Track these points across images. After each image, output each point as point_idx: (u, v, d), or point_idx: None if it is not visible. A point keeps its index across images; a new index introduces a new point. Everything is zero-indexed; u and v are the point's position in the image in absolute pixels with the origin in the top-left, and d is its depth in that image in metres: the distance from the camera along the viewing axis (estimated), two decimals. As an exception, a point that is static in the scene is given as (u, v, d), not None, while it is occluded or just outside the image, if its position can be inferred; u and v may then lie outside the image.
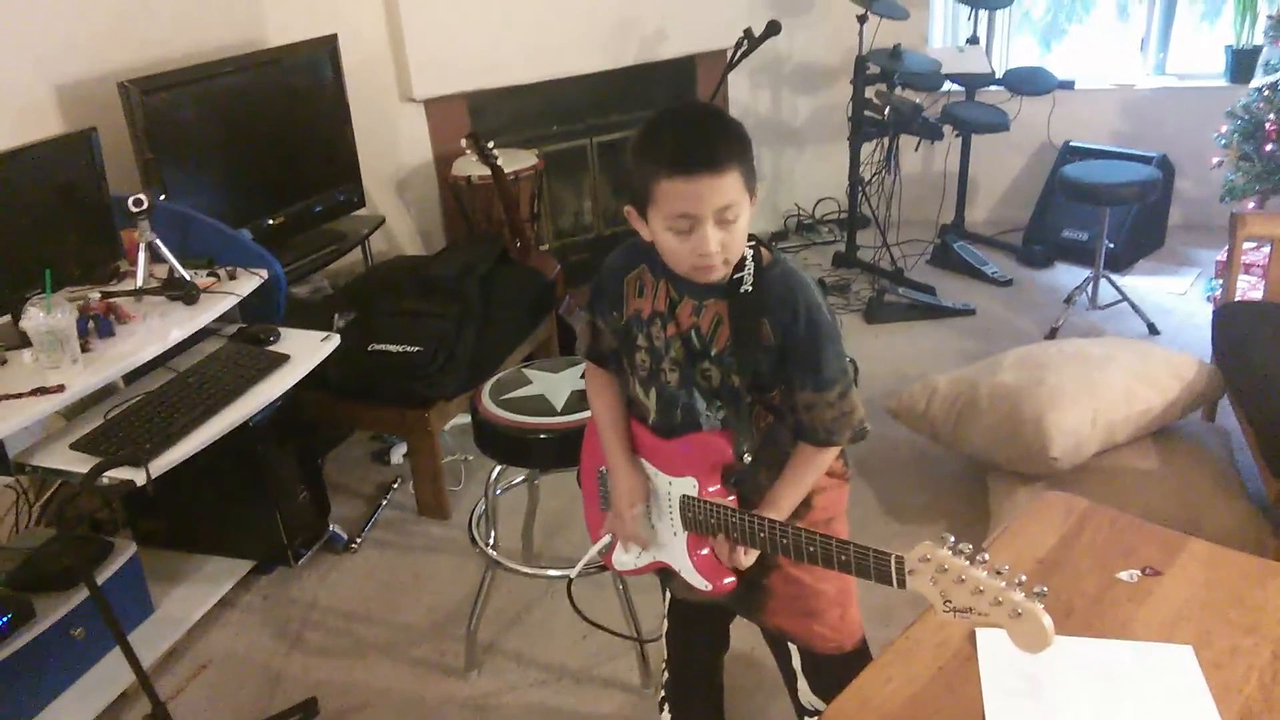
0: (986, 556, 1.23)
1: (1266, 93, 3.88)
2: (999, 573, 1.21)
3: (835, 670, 1.65)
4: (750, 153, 1.43)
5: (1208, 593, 1.55)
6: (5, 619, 2.24)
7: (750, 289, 1.50)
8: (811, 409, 1.53)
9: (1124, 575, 1.59)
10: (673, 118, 1.45)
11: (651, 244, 1.51)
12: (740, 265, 1.50)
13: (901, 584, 1.31)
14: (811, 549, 1.44)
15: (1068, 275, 4.53)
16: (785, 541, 1.47)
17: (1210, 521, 2.46)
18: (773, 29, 3.96)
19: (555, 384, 2.39)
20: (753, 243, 1.52)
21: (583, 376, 2.38)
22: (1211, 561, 1.62)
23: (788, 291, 1.50)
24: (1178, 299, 4.27)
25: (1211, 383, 2.83)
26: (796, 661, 1.77)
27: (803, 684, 1.79)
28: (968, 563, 1.23)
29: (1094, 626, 1.49)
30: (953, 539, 1.26)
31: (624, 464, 1.67)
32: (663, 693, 2.05)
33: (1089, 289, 4.18)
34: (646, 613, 2.40)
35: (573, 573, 1.89)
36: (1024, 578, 1.20)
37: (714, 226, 1.41)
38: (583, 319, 1.72)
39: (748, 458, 1.56)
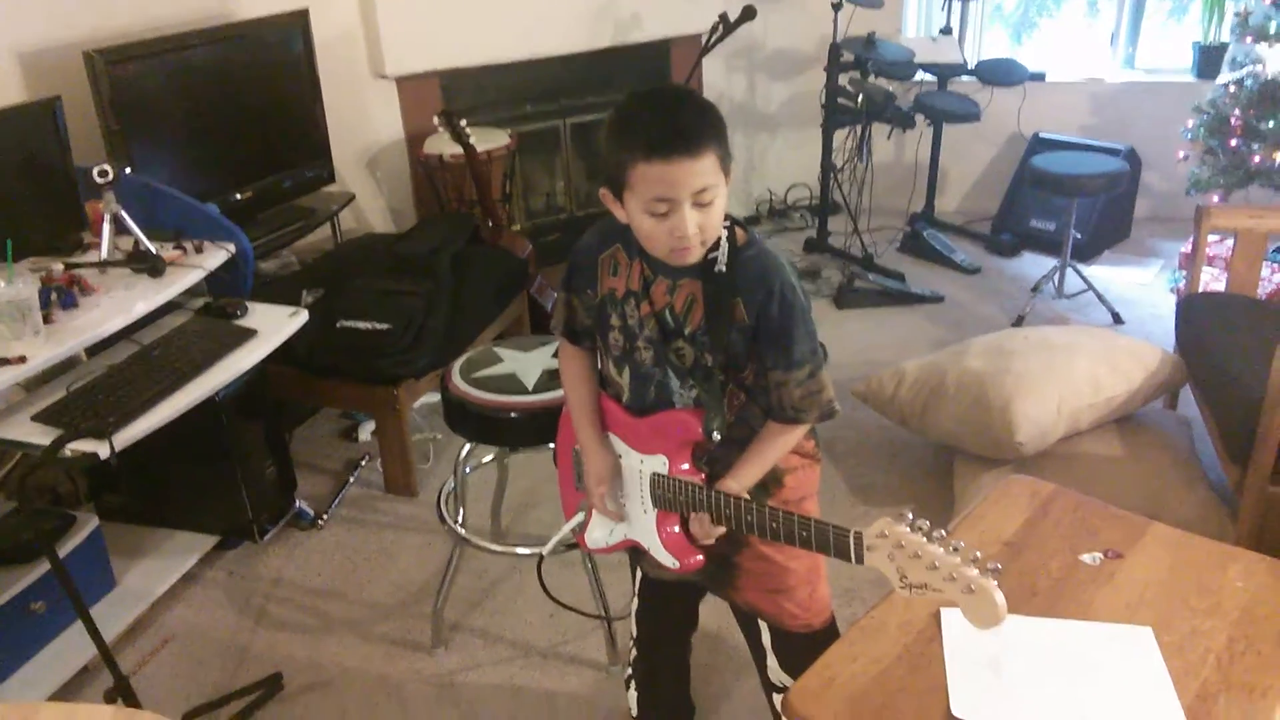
0: (944, 533, 1.25)
1: (1232, 89, 3.93)
2: (955, 549, 1.22)
3: (804, 648, 1.67)
4: (725, 134, 1.43)
5: (1169, 576, 1.58)
6: (-37, 592, 2.21)
7: (724, 269, 1.51)
8: (780, 387, 1.54)
9: (1087, 558, 1.62)
10: (648, 101, 1.45)
11: (627, 225, 1.51)
12: (715, 245, 1.50)
13: (859, 559, 1.33)
14: (774, 525, 1.46)
15: (1035, 264, 4.58)
16: (750, 519, 1.49)
17: (1172, 508, 2.50)
18: (748, 14, 3.96)
19: (526, 363, 2.38)
20: (728, 223, 1.52)
21: (554, 355, 2.39)
22: (1173, 546, 1.65)
23: (762, 272, 1.51)
24: (1142, 289, 4.33)
25: (1174, 372, 2.87)
26: (766, 639, 1.79)
27: (772, 661, 1.81)
28: (924, 539, 1.24)
29: (1057, 607, 1.51)
30: (910, 515, 1.27)
31: (594, 441, 1.68)
32: (629, 670, 2.06)
33: (1055, 278, 4.22)
34: (614, 591, 2.41)
35: (544, 550, 1.90)
36: (979, 554, 1.22)
37: (691, 209, 1.41)
38: (558, 296, 1.72)
39: (717, 436, 1.57)
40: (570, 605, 2.21)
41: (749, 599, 1.74)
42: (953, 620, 1.47)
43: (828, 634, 1.76)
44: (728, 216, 1.52)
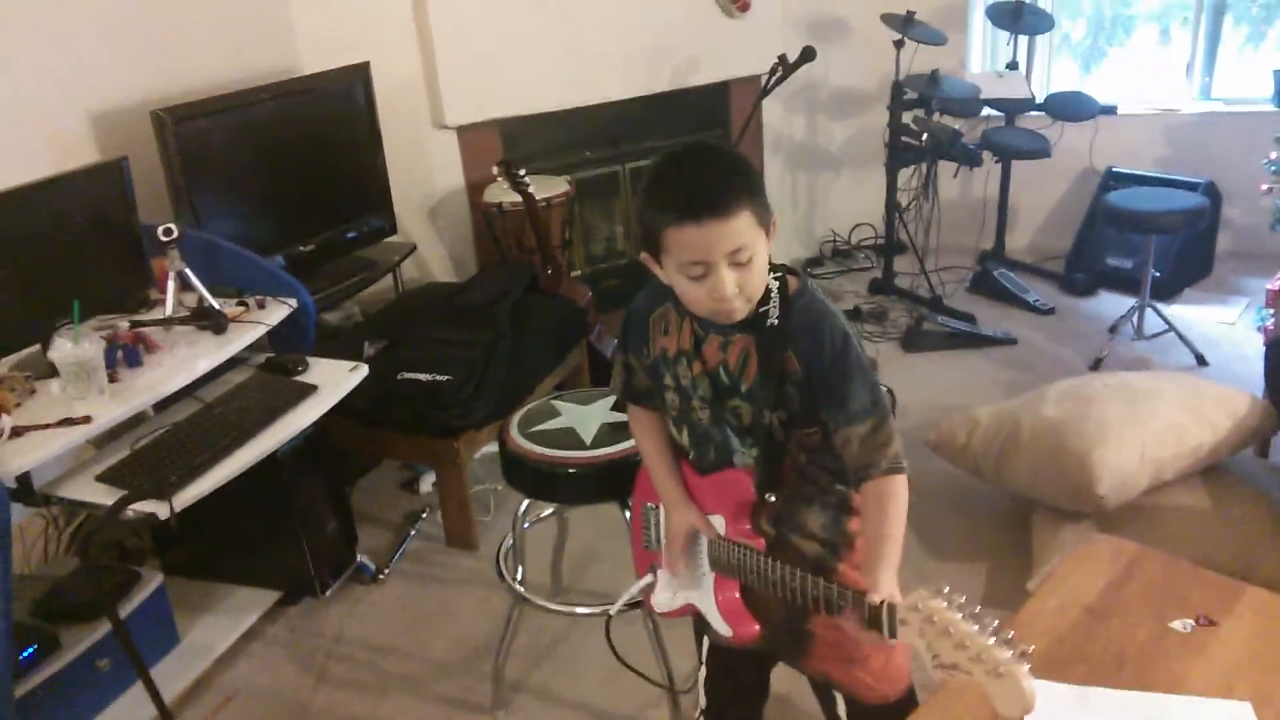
0: (978, 610, 1.16)
1: (1317, 117, 3.78)
2: (986, 628, 1.14)
3: (884, 719, 1.59)
4: (758, 188, 1.40)
5: (1267, 645, 1.48)
6: (30, 650, 2.22)
7: (776, 321, 1.46)
8: (846, 445, 1.47)
9: (1177, 625, 1.52)
10: (676, 164, 1.43)
11: None
12: (765, 298, 1.46)
13: (893, 633, 1.25)
14: (815, 594, 1.39)
15: (1112, 304, 4.43)
16: (794, 585, 1.43)
17: (1265, 565, 2.37)
18: (808, 55, 3.93)
19: (585, 416, 2.34)
20: (779, 273, 1.48)
21: (613, 409, 2.35)
22: (1270, 611, 1.55)
23: (812, 321, 1.47)
24: (1226, 329, 4.16)
25: (1265, 418, 2.74)
26: (842, 709, 1.71)
27: None
28: (957, 615, 1.16)
29: (1146, 679, 1.42)
30: (947, 589, 1.19)
31: (674, 494, 1.62)
32: None
33: (1134, 318, 4.08)
34: (677, 652, 2.34)
35: (612, 609, 1.84)
36: (1012, 634, 1.14)
37: (728, 269, 1.38)
38: (616, 358, 1.70)
39: (771, 497, 1.51)
40: (638, 670, 2.14)
41: (822, 669, 1.67)
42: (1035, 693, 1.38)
43: (905, 704, 1.68)
44: (780, 266, 1.48)
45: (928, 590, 1.21)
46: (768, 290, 1.46)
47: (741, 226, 1.36)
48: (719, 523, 1.56)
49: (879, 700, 1.66)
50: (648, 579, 1.74)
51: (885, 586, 1.34)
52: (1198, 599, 1.57)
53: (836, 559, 1.59)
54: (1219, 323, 4.21)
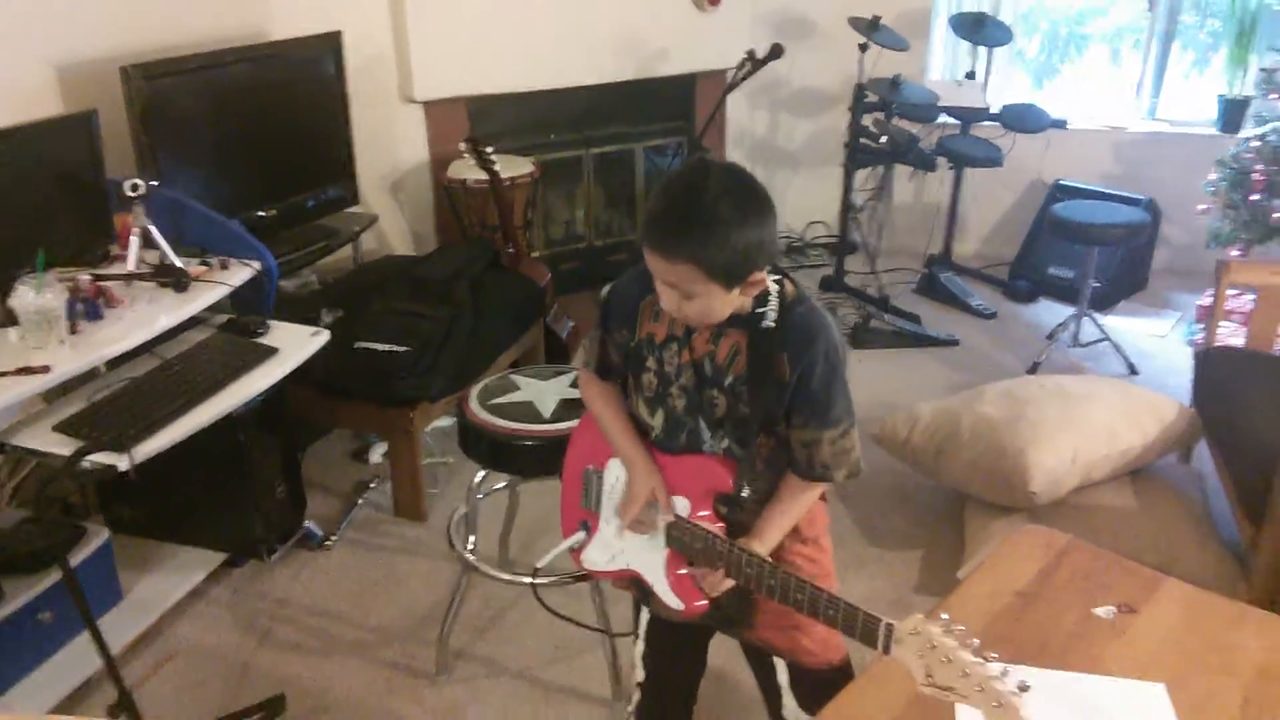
0: (976, 642, 1.23)
1: (1255, 144, 3.94)
2: (986, 660, 1.21)
3: (825, 685, 1.65)
4: (726, 248, 1.38)
5: (1183, 633, 1.56)
6: (-27, 599, 2.21)
7: (773, 325, 1.51)
8: (812, 445, 1.54)
9: (1101, 611, 1.61)
10: (673, 181, 1.45)
11: None
12: (764, 300, 1.51)
13: (886, 650, 1.31)
14: (799, 597, 1.44)
15: (1051, 312, 4.57)
16: (773, 583, 1.48)
17: (1184, 563, 2.49)
18: (775, 52, 4.00)
19: (543, 391, 2.39)
20: (778, 276, 1.53)
21: (571, 385, 2.40)
22: (1188, 602, 1.64)
23: (811, 332, 1.51)
24: (1158, 341, 4.32)
25: (1190, 426, 2.86)
26: (783, 677, 1.77)
27: (789, 700, 1.78)
28: (957, 644, 1.23)
29: (1069, 661, 1.50)
30: (945, 617, 1.26)
31: (644, 456, 1.65)
32: (630, 712, 2.03)
33: (1072, 326, 4.22)
34: (618, 615, 2.38)
35: (540, 563, 1.87)
36: (1009, 669, 1.21)
37: (672, 291, 1.45)
38: (592, 334, 1.73)
39: (746, 491, 1.57)
40: (573, 619, 2.19)
41: (765, 636, 1.73)
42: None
43: (845, 672, 1.75)
44: (778, 269, 1.52)
45: (924, 616, 1.27)
46: (766, 292, 1.51)
47: (683, 273, 1.40)
48: (682, 504, 1.61)
49: (822, 665, 1.73)
50: (578, 536, 1.78)
51: (767, 548, 1.55)
52: (1121, 588, 1.66)
53: (785, 537, 1.65)
54: (1151, 335, 4.37)
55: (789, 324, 1.51)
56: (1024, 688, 1.20)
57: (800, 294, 1.55)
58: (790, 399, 1.53)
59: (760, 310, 1.51)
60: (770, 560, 1.51)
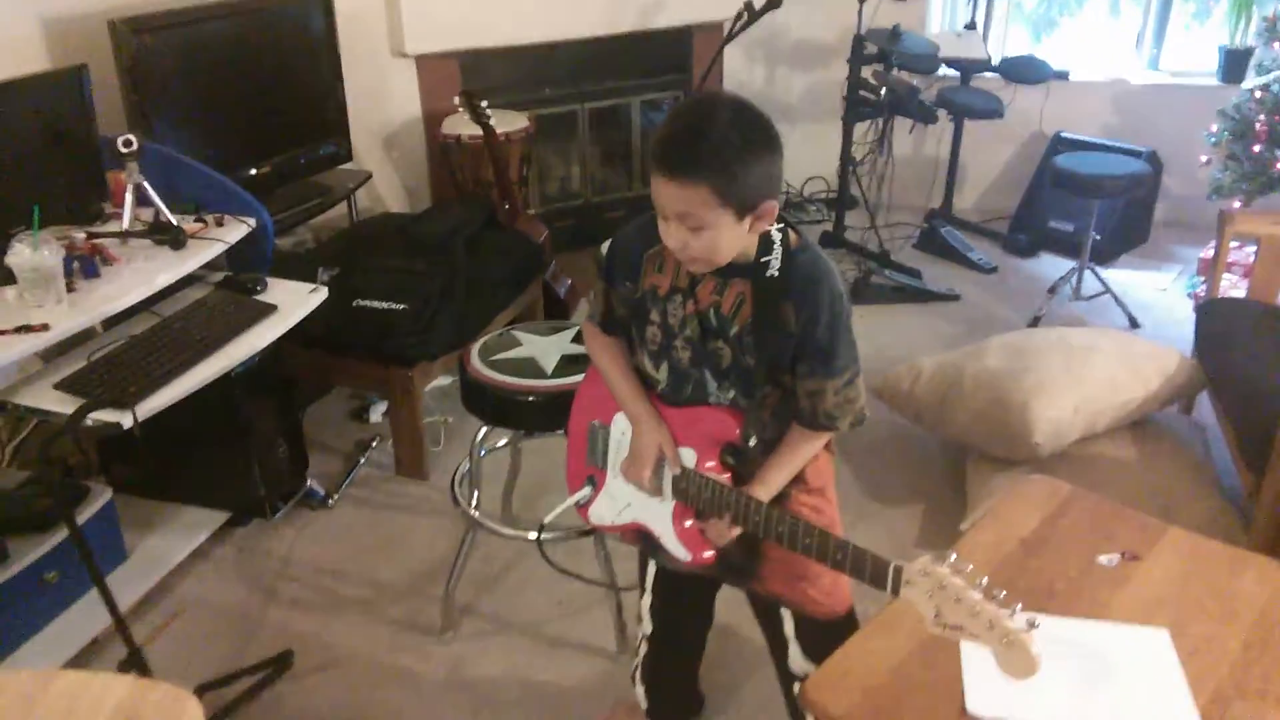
0: (985, 581, 1.24)
1: (1258, 94, 3.91)
2: (995, 598, 1.23)
3: (830, 635, 1.66)
4: (739, 170, 1.37)
5: (1185, 580, 1.57)
6: (-22, 559, 2.22)
7: (776, 274, 1.50)
8: (817, 395, 1.53)
9: (1104, 559, 1.62)
10: (682, 109, 1.46)
11: None
12: (768, 248, 1.50)
13: (896, 592, 1.32)
14: (808, 541, 1.45)
15: (1052, 265, 4.56)
16: (781, 529, 1.48)
17: (1184, 513, 2.50)
18: (773, 3, 3.94)
19: (545, 347, 2.38)
20: (780, 224, 1.51)
21: (573, 340, 2.39)
22: (1189, 550, 1.65)
23: (814, 278, 1.50)
24: (1159, 294, 4.31)
25: (1192, 377, 2.86)
26: (789, 628, 1.78)
27: (795, 650, 1.79)
28: (965, 584, 1.24)
29: (1074, 607, 1.51)
30: (954, 557, 1.27)
31: (650, 412, 1.64)
32: (638, 666, 2.05)
33: (1073, 280, 4.21)
34: (623, 568, 2.40)
35: (546, 519, 1.88)
36: (1019, 606, 1.22)
37: (676, 225, 1.42)
38: (596, 287, 1.72)
39: (753, 441, 1.57)
40: (577, 574, 2.20)
41: (772, 588, 1.74)
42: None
43: (850, 622, 1.76)
44: (781, 218, 1.51)
45: (933, 556, 1.28)
46: (770, 240, 1.49)
47: (692, 197, 1.38)
48: (689, 455, 1.61)
49: (828, 615, 1.74)
50: (585, 491, 1.78)
51: (769, 493, 1.56)
52: (1124, 536, 1.67)
53: (790, 485, 1.65)
54: (1153, 288, 4.36)
55: (792, 271, 1.50)
56: (1033, 624, 1.21)
57: (804, 241, 1.54)
58: (796, 348, 1.52)
59: (765, 259, 1.50)
60: (778, 507, 1.51)
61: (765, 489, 1.56)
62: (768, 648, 1.87)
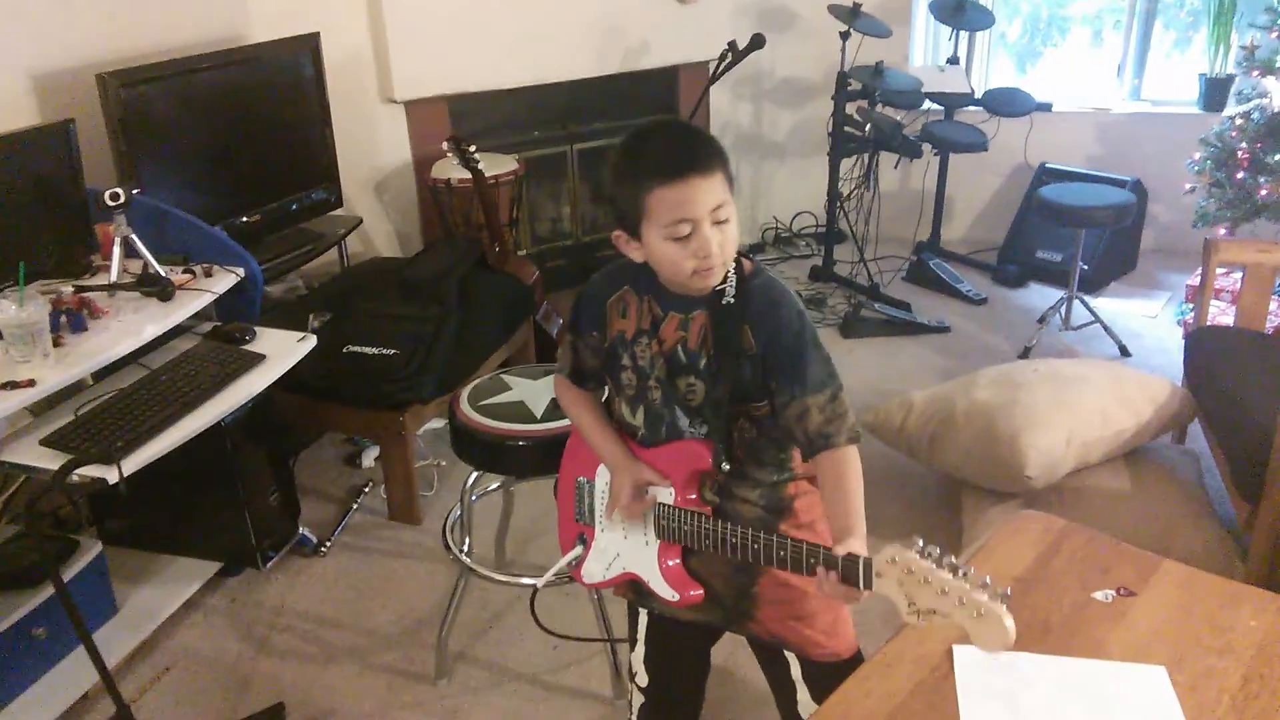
0: (954, 559, 1.24)
1: (1239, 121, 3.94)
2: (963, 574, 1.23)
3: (838, 677, 1.63)
4: (727, 156, 1.48)
5: (1181, 614, 1.56)
6: (-35, 617, 2.19)
7: (732, 300, 1.52)
8: (803, 417, 1.52)
9: (1099, 595, 1.60)
10: (651, 132, 1.49)
11: (634, 265, 1.55)
12: (724, 278, 1.51)
13: (869, 585, 1.32)
14: (782, 554, 1.45)
15: (1041, 296, 4.58)
16: (757, 548, 1.48)
17: (1180, 543, 2.49)
18: (756, 42, 3.98)
19: (535, 391, 2.37)
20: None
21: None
22: (1185, 583, 1.63)
23: (770, 300, 1.53)
24: (1149, 322, 4.32)
25: (1183, 406, 2.86)
26: (796, 671, 1.75)
27: (803, 694, 1.76)
28: (933, 565, 1.24)
29: (1069, 645, 1.49)
30: (920, 542, 1.27)
31: (625, 455, 1.64)
32: (631, 716, 2.01)
33: (1062, 309, 4.22)
34: (620, 621, 2.38)
35: (539, 582, 1.89)
36: (989, 580, 1.22)
37: (711, 227, 1.44)
38: (564, 339, 1.73)
39: (726, 466, 1.56)
40: (569, 635, 2.19)
41: (772, 630, 1.72)
42: (966, 656, 1.46)
43: (856, 664, 1.73)
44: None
45: (899, 543, 1.28)
46: (725, 272, 1.51)
47: (718, 184, 1.44)
48: (668, 492, 1.61)
49: (831, 658, 1.71)
50: (576, 551, 1.78)
51: (860, 536, 1.43)
52: (1118, 571, 1.66)
53: (780, 520, 1.64)
54: (1142, 316, 4.38)
55: (748, 296, 1.52)
56: (1004, 596, 1.20)
57: (757, 268, 1.57)
58: (765, 372, 1.53)
59: (720, 287, 1.52)
60: (762, 530, 1.50)
61: (855, 535, 1.44)
62: (772, 694, 1.85)
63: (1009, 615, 1.19)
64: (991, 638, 1.20)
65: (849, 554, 1.36)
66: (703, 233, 1.43)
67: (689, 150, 1.44)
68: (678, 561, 1.65)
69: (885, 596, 1.30)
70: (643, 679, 1.92)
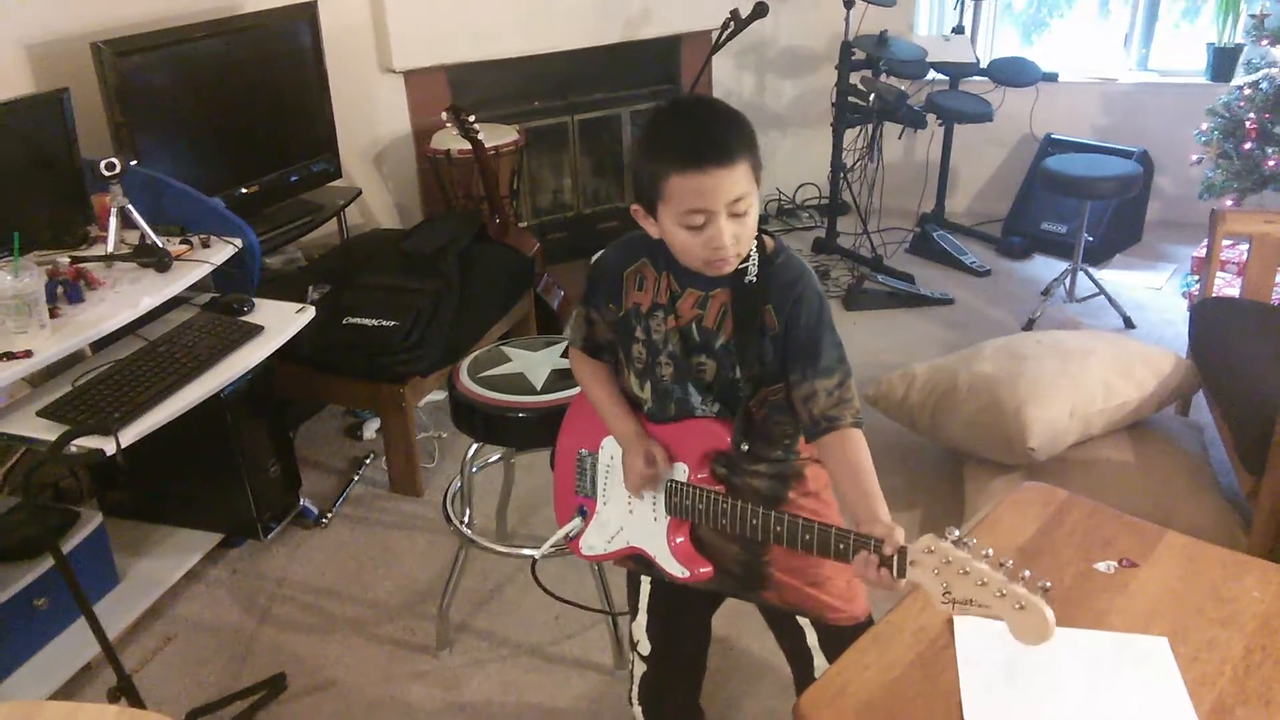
0: (989, 552, 1.23)
1: (1247, 91, 3.90)
2: (1002, 565, 1.21)
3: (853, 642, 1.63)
4: (756, 142, 1.43)
5: (1184, 585, 1.55)
6: (-34, 588, 2.20)
7: (754, 279, 1.50)
8: (810, 399, 1.51)
9: (1102, 566, 1.60)
10: (679, 112, 1.45)
11: (653, 238, 1.51)
12: (745, 256, 1.49)
13: (902, 573, 1.30)
14: (808, 537, 1.42)
15: (1045, 267, 4.55)
16: (779, 529, 1.46)
17: (1183, 515, 2.48)
18: (760, 11, 3.94)
19: (534, 362, 2.36)
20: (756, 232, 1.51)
21: (563, 355, 2.37)
22: (1188, 554, 1.63)
23: (793, 279, 1.51)
24: (1154, 294, 4.30)
25: (1187, 378, 2.84)
26: (812, 639, 1.74)
27: (820, 661, 1.75)
28: (971, 556, 1.23)
29: (1072, 616, 1.49)
30: (956, 533, 1.26)
31: (633, 430, 1.63)
32: (635, 688, 2.01)
33: (1066, 281, 4.19)
34: (620, 591, 2.38)
35: (537, 554, 1.88)
36: (1028, 573, 1.21)
37: (727, 220, 1.41)
38: (577, 311, 1.71)
39: (745, 446, 1.55)
40: (572, 601, 2.19)
41: (787, 598, 1.71)
42: (967, 628, 1.45)
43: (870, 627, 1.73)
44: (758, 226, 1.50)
45: (934, 534, 1.27)
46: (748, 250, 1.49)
47: (741, 176, 1.39)
48: (680, 469, 1.60)
49: (849, 622, 1.70)
50: (574, 523, 1.77)
51: (897, 533, 1.34)
52: (1121, 542, 1.65)
53: (788, 488, 1.64)
54: (1147, 288, 4.35)
55: (770, 275, 1.51)
56: (1043, 589, 1.19)
57: (779, 245, 1.54)
58: (782, 350, 1.51)
59: (742, 266, 1.50)
60: (775, 509, 1.49)
61: (879, 517, 1.42)
62: (789, 664, 1.85)
63: (1050, 608, 1.18)
64: (1033, 630, 1.19)
65: (879, 541, 1.32)
66: (717, 224, 1.40)
67: (712, 139, 1.39)
68: (685, 539, 1.64)
69: (918, 584, 1.28)
70: (645, 647, 1.92)
